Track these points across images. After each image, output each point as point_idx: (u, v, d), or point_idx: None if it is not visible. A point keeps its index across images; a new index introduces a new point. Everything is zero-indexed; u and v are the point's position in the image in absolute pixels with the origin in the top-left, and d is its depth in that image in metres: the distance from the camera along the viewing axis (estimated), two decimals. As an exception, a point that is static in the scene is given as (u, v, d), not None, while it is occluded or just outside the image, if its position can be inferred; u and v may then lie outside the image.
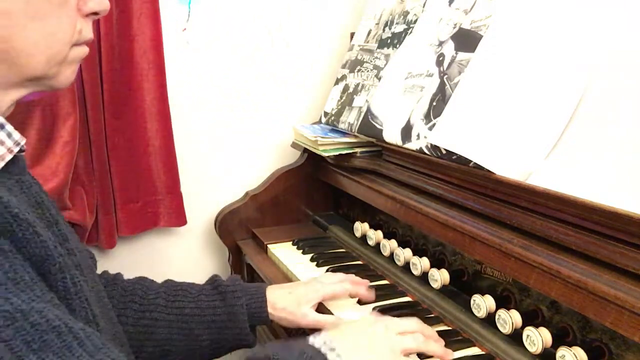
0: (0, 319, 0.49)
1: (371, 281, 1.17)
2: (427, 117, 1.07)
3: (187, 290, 0.99)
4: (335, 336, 0.77)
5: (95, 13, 0.69)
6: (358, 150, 1.35)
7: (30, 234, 0.57)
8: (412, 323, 0.88)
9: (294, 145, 1.55)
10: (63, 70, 0.67)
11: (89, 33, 0.69)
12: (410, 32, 1.28)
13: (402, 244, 1.20)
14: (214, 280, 1.02)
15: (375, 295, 1.09)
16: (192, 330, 0.96)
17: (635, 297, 0.67)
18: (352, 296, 1.07)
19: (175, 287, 1.00)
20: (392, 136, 1.16)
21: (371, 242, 1.27)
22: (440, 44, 1.14)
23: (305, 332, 1.01)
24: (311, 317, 1.00)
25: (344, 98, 1.44)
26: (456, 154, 0.95)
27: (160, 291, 0.98)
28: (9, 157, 0.63)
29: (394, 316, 0.98)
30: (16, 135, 0.64)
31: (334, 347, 0.75)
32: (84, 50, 0.69)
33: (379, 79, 1.32)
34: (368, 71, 1.39)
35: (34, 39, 0.62)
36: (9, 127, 0.63)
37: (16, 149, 0.64)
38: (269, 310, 1.00)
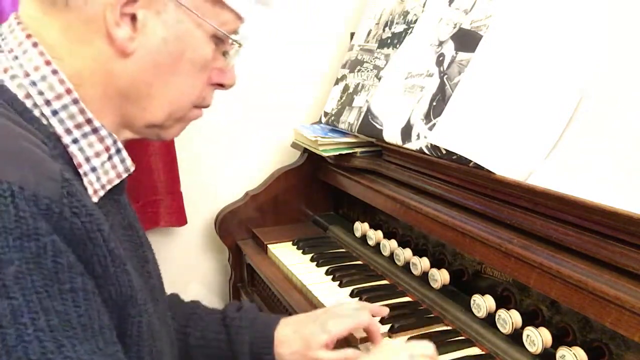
0: None
1: (371, 281, 1.17)
2: (427, 117, 1.07)
3: (200, 316, 0.94)
4: None
5: (222, 85, 0.75)
6: (358, 150, 1.35)
7: (121, 272, 0.58)
8: (430, 348, 0.81)
9: (294, 145, 1.55)
10: (176, 125, 0.72)
11: (209, 100, 0.75)
12: (410, 32, 1.28)
13: (402, 244, 1.19)
14: (225, 310, 0.96)
15: (376, 295, 1.09)
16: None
17: (635, 297, 0.67)
18: (366, 330, 0.93)
19: (192, 310, 0.95)
20: (392, 136, 1.16)
21: (371, 242, 1.27)
22: (440, 44, 1.14)
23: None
24: None
25: (344, 98, 1.44)
26: (456, 154, 0.95)
27: (178, 312, 0.94)
28: (116, 181, 0.66)
29: (394, 317, 0.99)
30: (128, 162, 0.67)
31: None
32: (199, 114, 0.75)
33: (379, 79, 1.32)
34: (368, 71, 1.39)
35: (168, 92, 0.67)
36: (124, 154, 0.66)
37: (125, 175, 0.67)
38: (277, 351, 0.90)
